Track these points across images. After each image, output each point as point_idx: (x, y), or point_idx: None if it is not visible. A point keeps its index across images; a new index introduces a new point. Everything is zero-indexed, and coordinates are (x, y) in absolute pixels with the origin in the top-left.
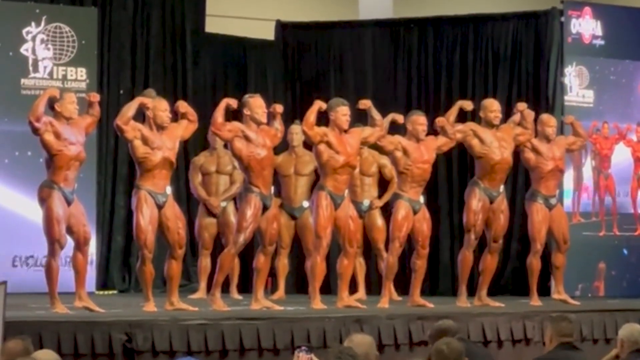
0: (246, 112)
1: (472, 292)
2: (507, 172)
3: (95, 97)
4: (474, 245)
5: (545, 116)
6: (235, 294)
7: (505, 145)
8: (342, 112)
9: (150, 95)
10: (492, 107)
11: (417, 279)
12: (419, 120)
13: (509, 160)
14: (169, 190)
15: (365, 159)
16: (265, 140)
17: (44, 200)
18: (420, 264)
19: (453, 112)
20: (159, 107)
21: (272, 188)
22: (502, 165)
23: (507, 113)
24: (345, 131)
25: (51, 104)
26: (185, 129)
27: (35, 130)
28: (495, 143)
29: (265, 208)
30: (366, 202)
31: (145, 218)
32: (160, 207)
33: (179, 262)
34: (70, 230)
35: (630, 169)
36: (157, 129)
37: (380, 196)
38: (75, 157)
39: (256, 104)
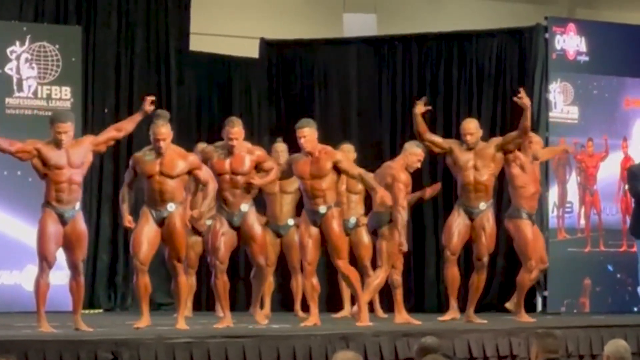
0: (222, 134)
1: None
2: (483, 191)
3: None
4: (452, 260)
5: (531, 134)
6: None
7: (480, 166)
8: (297, 135)
9: (156, 119)
10: (464, 128)
11: (401, 295)
12: (416, 153)
13: (481, 181)
14: (170, 207)
15: None
16: (234, 165)
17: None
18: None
19: (421, 123)
20: (154, 134)
21: (245, 208)
22: (476, 186)
23: (492, 129)
24: (320, 152)
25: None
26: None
27: (18, 159)
28: (469, 163)
29: (231, 225)
30: (352, 220)
31: (137, 230)
32: (158, 223)
33: (177, 278)
34: (66, 252)
35: (615, 185)
36: (156, 153)
37: (366, 213)
38: (66, 181)
39: (230, 131)
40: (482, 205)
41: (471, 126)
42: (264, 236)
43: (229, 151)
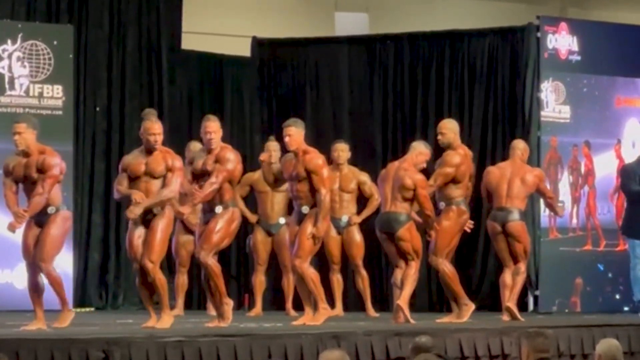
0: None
1: (442, 308)
2: (442, 192)
3: None
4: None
5: (524, 143)
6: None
7: (437, 167)
8: (283, 133)
9: (146, 116)
10: (438, 126)
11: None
12: (425, 152)
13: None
14: (155, 210)
15: (345, 175)
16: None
17: None
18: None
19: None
20: (148, 130)
21: (219, 209)
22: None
23: (483, 128)
24: (303, 154)
25: None
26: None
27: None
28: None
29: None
30: (344, 218)
31: (130, 234)
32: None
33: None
34: None
35: (608, 184)
36: (146, 152)
37: (359, 212)
38: (23, 188)
39: (203, 129)
40: (441, 205)
41: (442, 125)
42: (222, 238)
43: (207, 150)
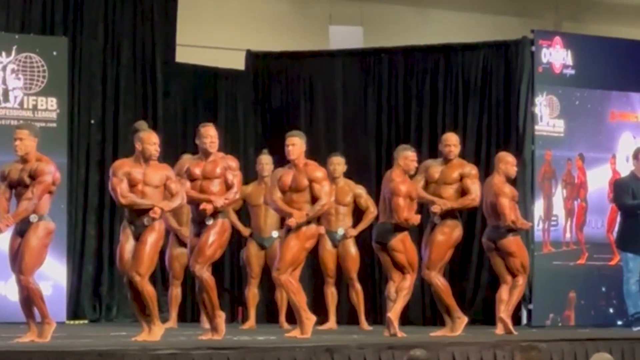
0: (197, 141)
1: (435, 322)
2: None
3: None
4: (433, 276)
5: (510, 156)
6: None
7: (440, 181)
8: (286, 143)
9: (142, 127)
10: (448, 139)
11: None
12: (408, 155)
13: (439, 195)
14: (146, 222)
15: (341, 188)
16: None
17: None
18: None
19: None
20: (148, 140)
21: (210, 221)
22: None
23: (477, 142)
24: (304, 166)
25: None
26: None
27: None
28: (440, 179)
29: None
30: (340, 231)
31: (120, 248)
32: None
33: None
34: None
35: (602, 198)
36: (144, 162)
37: (354, 225)
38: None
39: (205, 133)
40: (436, 219)
41: (453, 139)
42: (215, 250)
43: (205, 156)
